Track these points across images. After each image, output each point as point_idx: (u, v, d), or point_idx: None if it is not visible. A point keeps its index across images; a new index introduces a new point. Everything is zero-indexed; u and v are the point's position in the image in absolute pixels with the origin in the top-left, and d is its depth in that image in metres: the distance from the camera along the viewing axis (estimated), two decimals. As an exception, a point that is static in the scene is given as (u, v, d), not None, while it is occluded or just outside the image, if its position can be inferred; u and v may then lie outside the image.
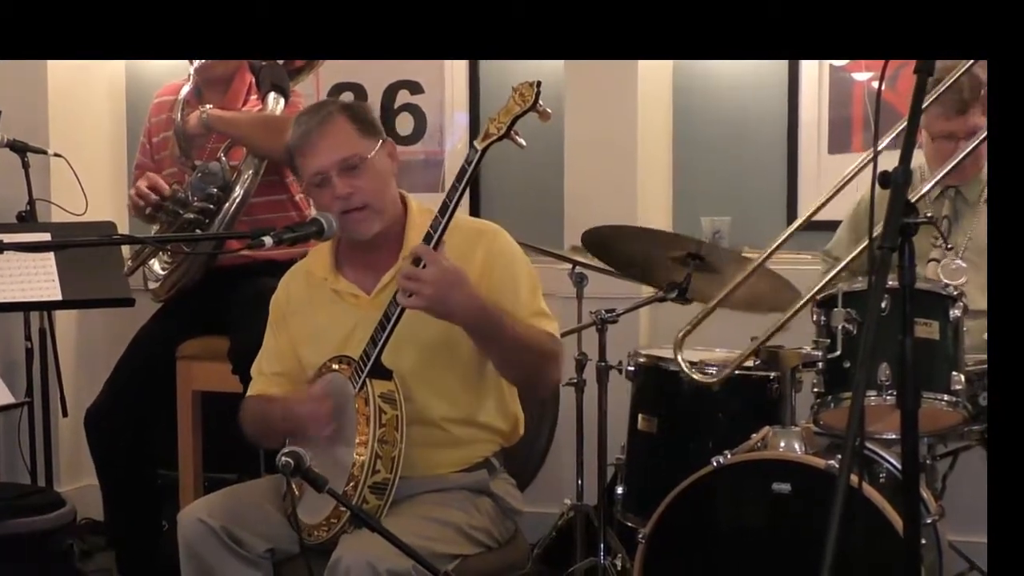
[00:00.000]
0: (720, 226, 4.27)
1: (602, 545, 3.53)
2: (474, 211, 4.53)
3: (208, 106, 3.65)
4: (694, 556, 2.94)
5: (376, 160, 2.68)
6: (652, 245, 3.50)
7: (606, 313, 3.54)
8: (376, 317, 2.61)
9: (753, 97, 4.34)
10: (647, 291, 3.76)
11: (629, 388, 3.44)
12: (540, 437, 3.03)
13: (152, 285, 3.75)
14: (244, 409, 2.83)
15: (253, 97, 3.72)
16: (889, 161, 2.00)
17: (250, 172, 3.59)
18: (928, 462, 3.15)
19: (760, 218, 4.29)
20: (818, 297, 2.94)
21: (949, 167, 2.96)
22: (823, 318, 2.90)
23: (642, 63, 4.19)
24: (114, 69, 4.95)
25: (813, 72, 4.25)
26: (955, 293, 2.85)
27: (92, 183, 4.31)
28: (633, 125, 4.22)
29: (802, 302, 2.96)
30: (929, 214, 2.69)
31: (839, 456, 2.71)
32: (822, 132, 4.26)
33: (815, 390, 2.93)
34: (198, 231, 3.55)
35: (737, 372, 3.04)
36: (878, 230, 1.96)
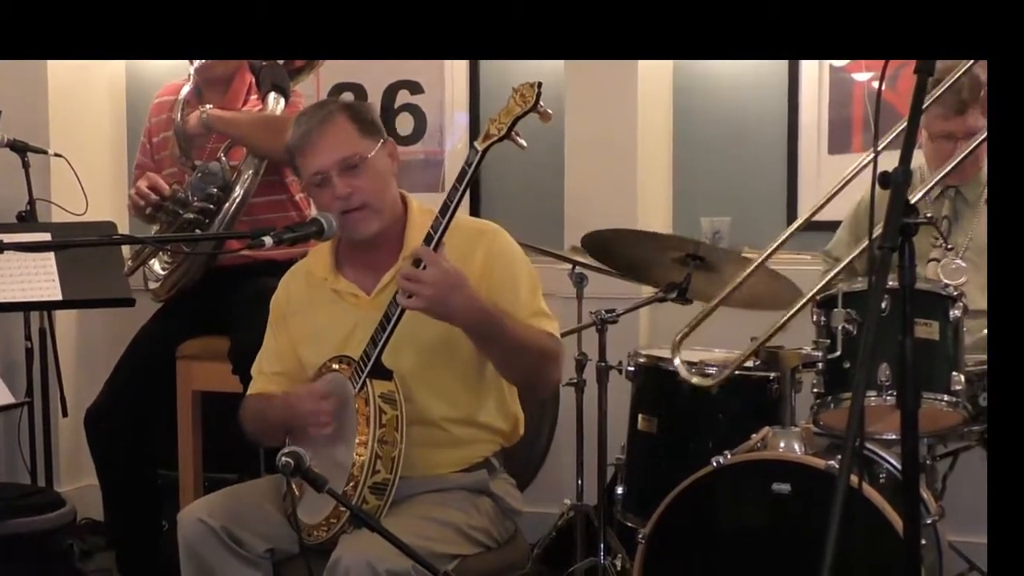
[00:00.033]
0: (720, 226, 4.27)
1: (602, 545, 3.53)
2: (474, 211, 4.53)
3: (208, 106, 3.65)
4: (694, 556, 2.94)
5: (376, 160, 2.68)
6: (652, 247, 3.50)
7: (606, 313, 3.54)
8: (376, 317, 2.61)
9: (753, 97, 4.34)
10: (647, 291, 3.76)
11: (629, 388, 3.44)
12: (540, 437, 3.03)
13: (152, 285, 3.75)
14: (244, 407, 2.83)
15: (253, 97, 3.72)
16: (889, 161, 2.00)
17: (250, 172, 3.59)
18: (928, 462, 3.15)
19: (760, 218, 4.29)
20: (818, 297, 2.94)
21: (948, 168, 2.96)
22: (823, 318, 2.90)
23: (642, 63, 4.19)
24: (114, 69, 4.95)
25: (813, 72, 4.25)
26: (955, 293, 2.85)
27: (92, 183, 4.31)
28: (633, 125, 4.22)
29: (801, 303, 2.96)
30: (929, 214, 2.69)
31: (839, 456, 2.71)
32: (822, 132, 4.26)
33: (815, 390, 2.93)
34: (198, 231, 3.55)
35: (737, 372, 3.04)
36: (878, 230, 1.96)
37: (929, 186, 3.00)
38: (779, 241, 3.13)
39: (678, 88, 4.43)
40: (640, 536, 2.98)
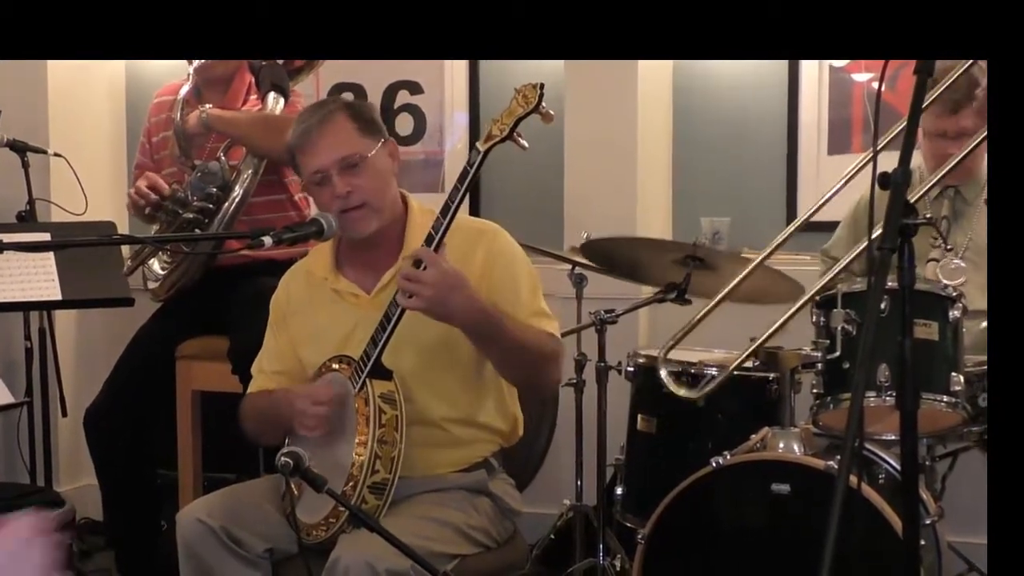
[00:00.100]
0: (720, 227, 4.27)
1: (601, 546, 3.53)
2: (474, 211, 4.53)
3: (208, 106, 3.65)
4: (693, 557, 2.94)
5: (376, 159, 2.69)
6: (651, 251, 3.50)
7: (605, 313, 3.54)
8: (376, 317, 2.61)
9: (753, 97, 4.34)
10: (646, 291, 3.76)
11: (628, 388, 3.44)
12: (539, 437, 3.03)
13: (152, 285, 3.74)
14: (244, 405, 2.84)
15: (253, 97, 3.72)
16: (888, 162, 2.00)
17: (249, 172, 3.59)
18: (927, 463, 3.14)
19: (760, 219, 4.29)
20: (817, 298, 2.94)
21: (947, 168, 2.96)
22: (822, 319, 2.90)
23: (642, 63, 4.19)
24: (114, 69, 4.95)
25: (813, 73, 4.25)
26: (954, 294, 2.85)
27: (92, 183, 4.31)
28: (633, 125, 4.22)
29: (800, 303, 2.95)
30: (928, 215, 2.69)
31: (838, 457, 2.71)
32: (822, 133, 4.26)
33: (814, 391, 2.93)
34: (197, 231, 3.55)
35: (736, 373, 3.04)
36: (877, 231, 1.96)
37: (928, 186, 3.00)
38: (776, 242, 3.13)
39: (678, 88, 4.43)
40: (639, 536, 2.98)
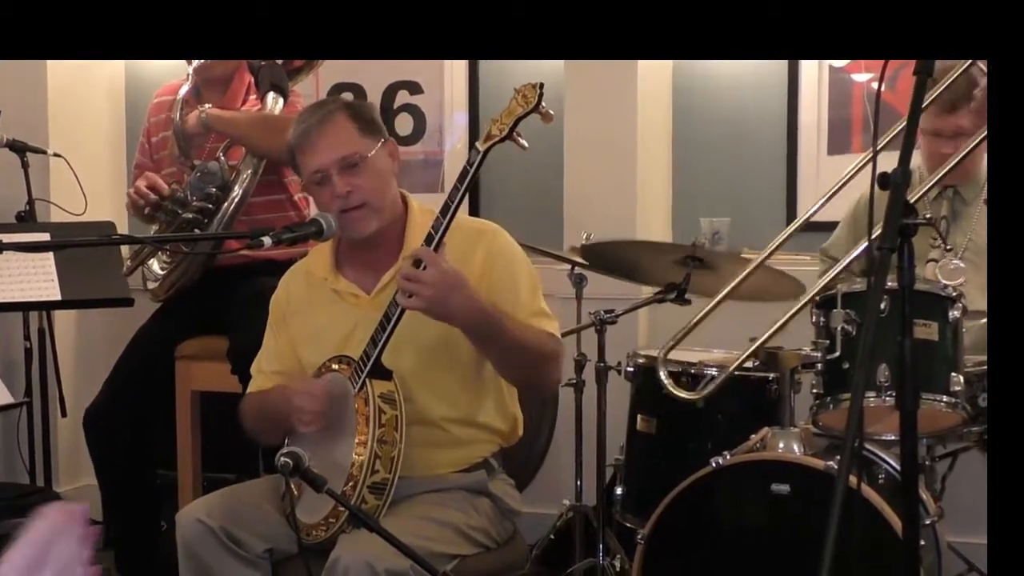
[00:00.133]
0: (719, 227, 4.26)
1: (601, 546, 3.52)
2: (474, 211, 4.53)
3: (207, 106, 3.65)
4: (693, 557, 2.94)
5: (376, 159, 2.68)
6: (650, 253, 3.51)
7: (605, 314, 3.54)
8: (376, 317, 2.61)
9: (753, 98, 4.34)
10: (646, 292, 3.76)
11: (628, 389, 3.44)
12: (539, 438, 3.03)
13: (151, 285, 3.74)
14: (244, 405, 2.83)
15: (252, 97, 3.72)
16: (888, 162, 2.00)
17: (249, 172, 3.59)
18: (927, 463, 3.14)
19: (759, 219, 4.29)
20: (817, 298, 2.94)
21: (947, 169, 2.96)
22: (822, 319, 2.90)
23: (642, 63, 4.19)
24: (114, 69, 4.95)
25: (813, 73, 4.25)
26: (954, 294, 2.85)
27: (91, 183, 4.31)
28: (633, 125, 4.22)
29: (801, 304, 2.95)
30: (928, 215, 2.69)
31: (838, 457, 2.71)
32: (822, 133, 4.26)
33: (814, 391, 2.92)
34: (197, 231, 3.55)
35: (736, 373, 3.04)
36: (877, 231, 1.96)
37: (928, 187, 3.00)
38: (776, 243, 3.13)
39: (678, 88, 4.43)
40: (639, 537, 2.98)
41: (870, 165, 2.05)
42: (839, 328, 2.84)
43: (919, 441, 2.54)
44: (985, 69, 3.09)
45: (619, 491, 3.40)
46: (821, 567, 1.69)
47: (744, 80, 4.34)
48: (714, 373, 3.13)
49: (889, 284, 2.01)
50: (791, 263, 3.58)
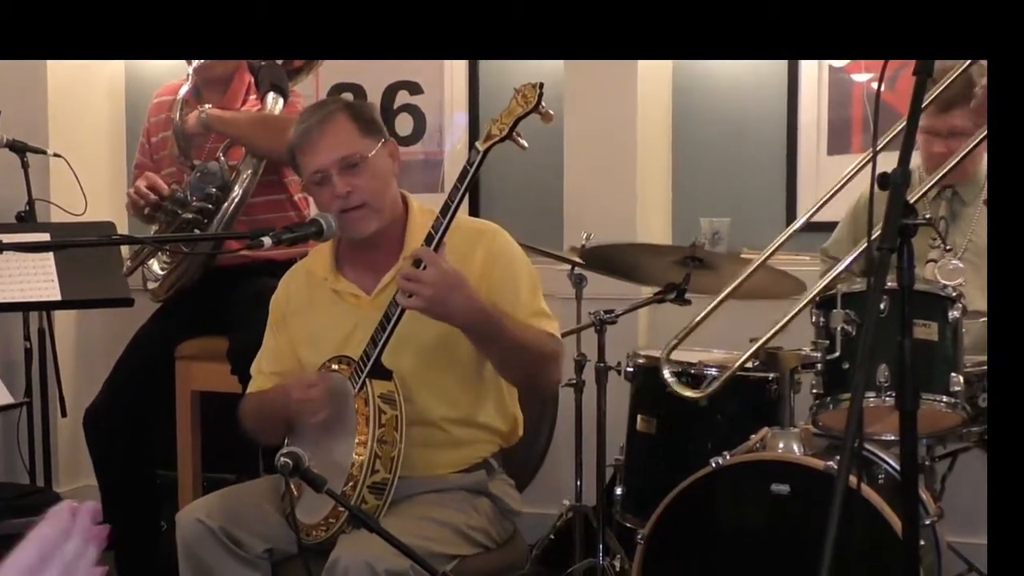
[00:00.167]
0: (719, 227, 4.26)
1: (601, 546, 3.53)
2: (474, 211, 4.53)
3: (207, 106, 3.65)
4: (693, 557, 2.94)
5: (376, 159, 2.68)
6: (650, 254, 3.51)
7: (605, 314, 3.54)
8: (376, 318, 2.61)
9: (753, 98, 4.34)
10: (646, 292, 3.76)
11: (628, 389, 3.44)
12: (539, 438, 3.03)
13: (151, 285, 3.74)
14: (243, 405, 2.83)
15: (252, 97, 3.72)
16: (887, 162, 2.00)
17: (249, 172, 3.58)
18: (927, 463, 3.14)
19: (759, 219, 4.29)
20: (817, 298, 2.94)
21: (946, 169, 2.96)
22: (822, 319, 2.90)
23: (642, 63, 4.19)
24: (114, 69, 4.95)
25: (812, 73, 4.25)
26: (954, 294, 2.85)
27: (91, 183, 4.31)
28: (633, 126, 4.22)
29: (801, 305, 2.95)
30: (927, 215, 2.69)
31: (838, 457, 2.71)
32: (821, 133, 4.26)
33: (814, 391, 2.92)
34: (197, 231, 3.55)
35: (736, 373, 3.04)
36: (877, 231, 1.96)
37: (927, 187, 3.00)
38: (776, 244, 3.12)
39: (678, 88, 4.43)
40: (639, 537, 2.98)
41: (870, 165, 2.05)
42: (839, 328, 2.84)
43: (919, 441, 2.54)
44: (983, 70, 3.10)
45: (619, 491, 3.40)
46: (821, 567, 1.69)
47: (744, 80, 4.34)
48: (714, 373, 3.13)
49: (889, 284, 2.01)
50: (791, 263, 3.58)
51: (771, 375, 3.12)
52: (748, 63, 4.30)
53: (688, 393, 3.05)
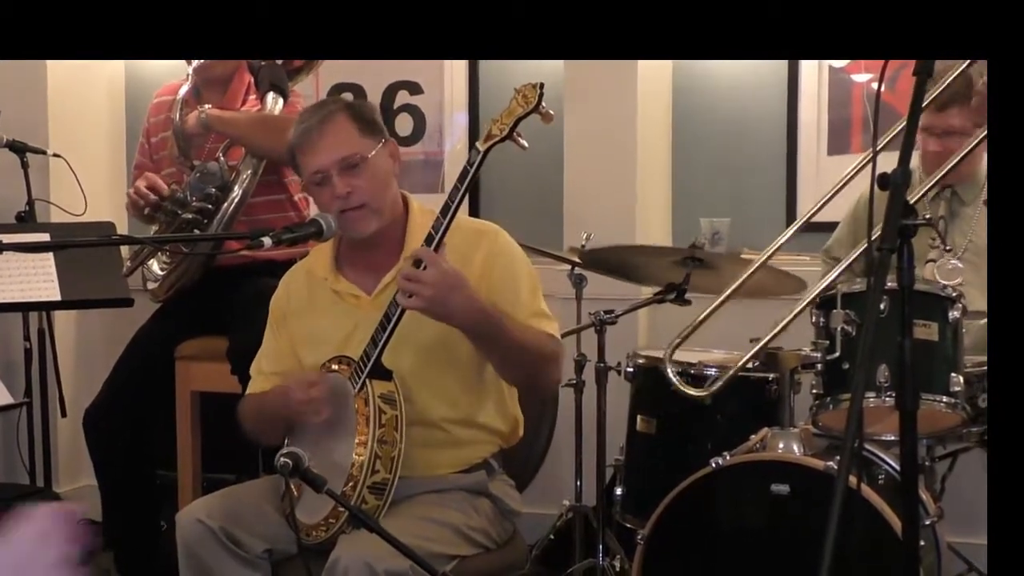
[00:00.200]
0: (719, 227, 4.27)
1: (601, 546, 3.53)
2: (474, 211, 4.53)
3: (207, 106, 3.65)
4: (693, 557, 2.94)
5: (377, 160, 2.68)
6: (649, 256, 3.51)
7: (605, 314, 3.54)
8: (376, 318, 2.61)
9: (752, 98, 4.34)
10: (646, 292, 3.77)
11: (628, 389, 3.44)
12: (539, 438, 3.03)
13: (151, 285, 3.74)
14: (243, 406, 2.83)
15: (252, 97, 3.72)
16: (886, 163, 2.00)
17: (249, 172, 3.58)
18: (927, 463, 3.14)
19: (759, 219, 4.29)
20: (817, 298, 2.94)
21: (945, 170, 2.96)
22: (822, 319, 2.90)
23: (642, 63, 4.19)
24: (114, 69, 4.95)
25: (812, 73, 4.26)
26: (954, 295, 2.85)
27: (91, 183, 4.31)
28: (633, 126, 4.22)
29: (802, 306, 2.95)
30: (927, 215, 2.69)
31: (838, 457, 2.71)
32: (821, 133, 4.26)
33: (814, 391, 2.92)
34: (197, 231, 3.55)
35: (737, 373, 3.04)
36: (877, 231, 1.96)
37: (926, 188, 3.00)
38: (776, 244, 3.13)
39: (678, 88, 4.43)
40: (639, 537, 2.98)
41: (870, 165, 2.05)
42: (839, 328, 2.84)
43: (919, 441, 2.54)
44: (982, 70, 3.10)
45: (619, 491, 3.40)
46: (821, 567, 1.69)
47: (744, 80, 4.34)
48: (715, 373, 3.13)
49: (889, 284, 2.01)
50: (791, 263, 3.58)
51: (771, 375, 3.12)
52: (748, 63, 4.30)
53: (692, 392, 3.05)
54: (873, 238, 2.00)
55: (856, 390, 1.97)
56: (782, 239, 3.14)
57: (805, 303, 2.94)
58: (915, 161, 3.39)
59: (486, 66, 4.62)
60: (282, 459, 2.31)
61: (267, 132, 3.50)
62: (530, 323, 2.66)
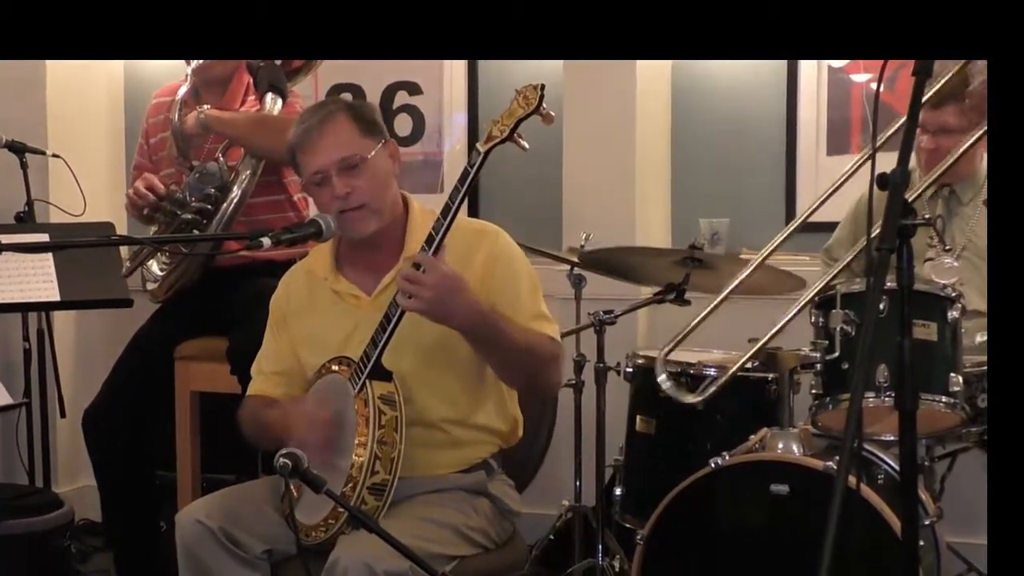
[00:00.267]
0: (718, 228, 4.26)
1: (600, 546, 3.53)
2: (473, 212, 4.53)
3: (206, 106, 3.64)
4: (692, 557, 2.94)
5: (376, 160, 2.68)
6: (648, 257, 3.51)
7: (604, 314, 3.54)
8: (376, 318, 2.61)
9: (752, 98, 4.34)
10: (645, 292, 3.76)
11: (627, 389, 3.44)
12: (538, 438, 3.03)
13: (150, 286, 3.74)
14: (243, 410, 2.83)
15: (251, 98, 3.72)
16: (885, 162, 2.00)
17: (248, 172, 3.58)
18: (926, 464, 3.14)
19: (759, 220, 4.29)
20: (816, 298, 2.94)
21: (943, 170, 2.96)
22: (821, 319, 2.90)
23: (641, 63, 4.19)
24: (113, 69, 4.95)
25: (812, 73, 4.26)
26: (953, 294, 2.85)
27: (90, 184, 4.30)
28: (632, 126, 4.22)
29: (800, 305, 2.95)
30: (926, 215, 2.69)
31: (837, 457, 2.71)
32: (821, 133, 4.27)
33: (813, 391, 2.92)
34: (196, 232, 3.55)
35: (736, 374, 3.04)
36: (876, 231, 1.96)
37: (923, 187, 3.00)
38: (774, 244, 3.12)
39: (677, 88, 4.43)
40: (638, 537, 2.98)
41: (866, 165, 2.05)
42: (838, 328, 2.84)
43: (918, 441, 2.54)
44: (980, 70, 3.10)
45: (618, 492, 3.40)
46: (820, 567, 1.69)
47: (743, 80, 4.34)
48: (713, 373, 3.13)
49: (888, 284, 2.01)
50: (791, 263, 3.58)
51: (770, 375, 3.12)
52: (748, 63, 4.30)
53: (685, 398, 3.05)
54: (872, 238, 2.00)
55: (855, 390, 1.97)
56: (779, 239, 3.14)
57: (803, 303, 2.94)
58: (913, 161, 3.39)
59: (485, 66, 4.62)
60: (281, 460, 2.31)
61: (266, 132, 3.50)
62: (530, 325, 2.66)
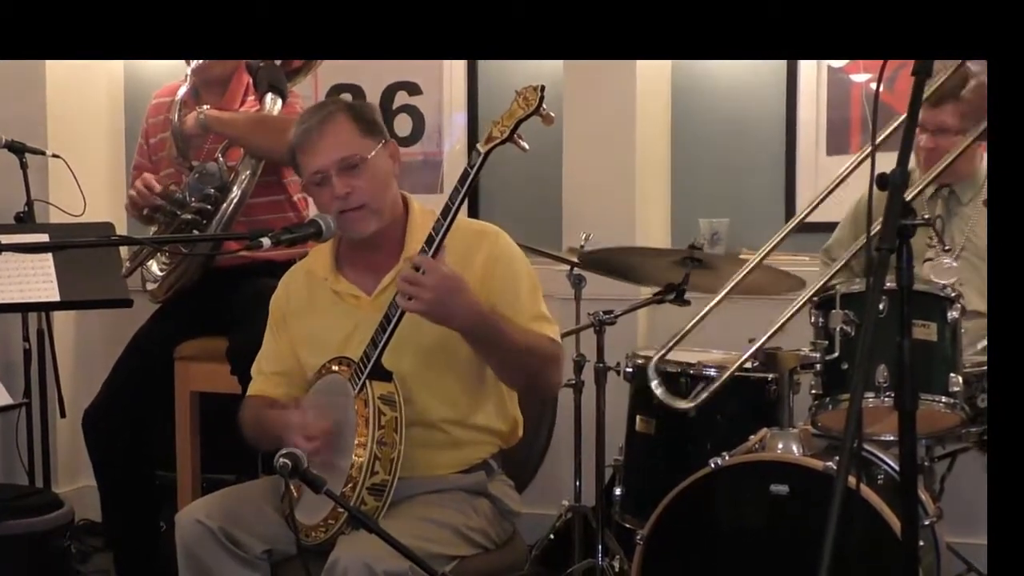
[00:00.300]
0: (718, 228, 4.26)
1: (600, 546, 3.53)
2: (473, 212, 4.53)
3: (205, 107, 3.64)
4: (692, 557, 2.94)
5: (376, 160, 2.68)
6: (648, 257, 3.51)
7: (604, 314, 3.54)
8: (376, 319, 2.61)
9: (752, 98, 4.34)
10: (645, 292, 3.77)
11: (627, 389, 3.44)
12: (538, 438, 3.03)
13: (150, 286, 3.74)
14: (244, 411, 2.83)
15: (251, 98, 3.71)
16: (885, 162, 2.00)
17: (247, 173, 3.58)
18: (926, 464, 3.14)
19: (758, 220, 4.29)
20: (816, 298, 2.94)
21: (940, 169, 2.96)
22: (821, 319, 2.90)
23: (641, 63, 4.19)
24: (113, 69, 4.95)
25: (811, 73, 4.26)
26: (953, 295, 2.85)
27: (90, 184, 4.30)
28: (632, 126, 4.22)
29: (799, 305, 2.95)
30: (926, 215, 2.69)
31: (837, 458, 2.71)
32: (820, 133, 4.27)
33: (813, 392, 2.93)
34: (196, 232, 3.55)
35: (735, 374, 3.04)
36: (875, 231, 1.96)
37: (921, 186, 3.00)
38: (772, 244, 3.12)
39: (677, 88, 4.43)
40: (638, 537, 2.98)
41: (865, 164, 2.05)
42: (838, 329, 2.84)
43: (918, 442, 2.54)
44: (980, 70, 3.10)
45: (618, 492, 3.40)
46: (820, 568, 1.69)
47: (743, 80, 4.34)
48: (713, 373, 3.13)
49: (888, 284, 2.01)
50: (790, 263, 3.58)
51: (770, 376, 3.12)
52: (748, 63, 4.30)
53: (677, 404, 3.06)
54: (872, 237, 2.00)
55: (855, 390, 1.97)
56: (777, 238, 3.13)
57: (801, 303, 2.94)
58: (913, 161, 3.38)
59: (485, 66, 4.62)
60: (281, 460, 2.31)
61: (266, 133, 3.50)
62: (530, 326, 2.66)
